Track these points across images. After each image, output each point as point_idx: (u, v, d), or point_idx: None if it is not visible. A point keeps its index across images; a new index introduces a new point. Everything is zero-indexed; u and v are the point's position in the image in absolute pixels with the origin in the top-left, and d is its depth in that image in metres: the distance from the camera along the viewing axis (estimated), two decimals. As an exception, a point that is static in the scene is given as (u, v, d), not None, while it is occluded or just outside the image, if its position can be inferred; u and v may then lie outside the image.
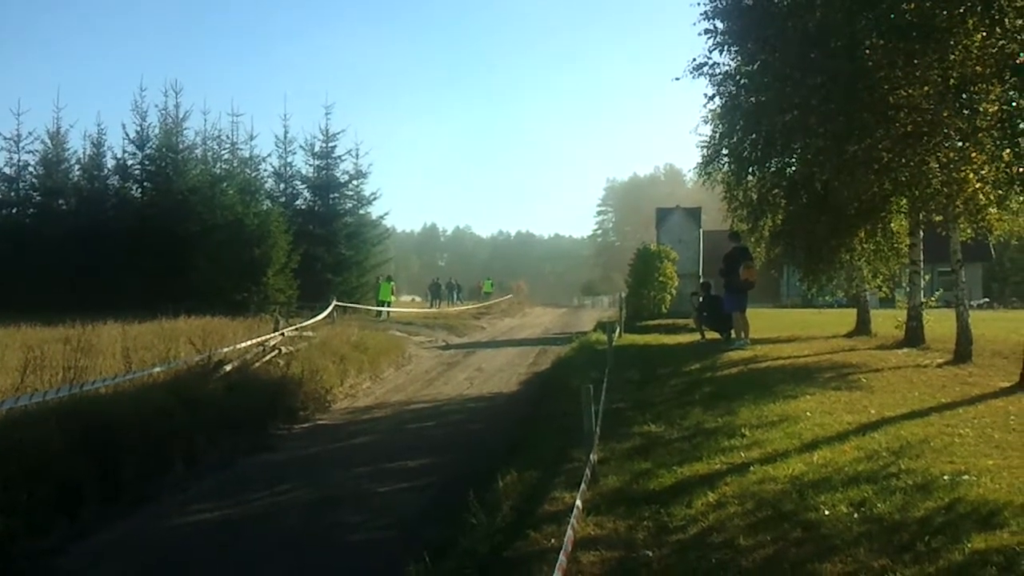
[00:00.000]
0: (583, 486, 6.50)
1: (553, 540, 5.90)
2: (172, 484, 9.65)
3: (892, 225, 16.49)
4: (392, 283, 38.35)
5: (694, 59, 15.28)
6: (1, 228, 37.30)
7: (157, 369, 12.08)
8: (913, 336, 16.26)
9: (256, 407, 12.78)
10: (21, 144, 38.61)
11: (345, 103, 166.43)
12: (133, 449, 9.45)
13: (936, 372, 12.62)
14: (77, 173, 40.33)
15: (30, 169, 39.25)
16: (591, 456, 7.27)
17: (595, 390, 7.87)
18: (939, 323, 16.60)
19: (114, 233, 34.73)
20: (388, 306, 36.26)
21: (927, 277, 17.69)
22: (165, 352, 13.61)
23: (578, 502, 6.03)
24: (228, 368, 13.74)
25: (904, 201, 14.74)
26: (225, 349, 14.31)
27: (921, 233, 16.84)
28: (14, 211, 39.08)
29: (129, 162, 39.05)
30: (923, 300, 16.87)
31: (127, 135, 38.71)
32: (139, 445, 9.58)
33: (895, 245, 17.17)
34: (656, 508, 6.60)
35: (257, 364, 15.13)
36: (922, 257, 16.99)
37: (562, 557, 4.64)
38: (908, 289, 17.06)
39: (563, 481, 7.67)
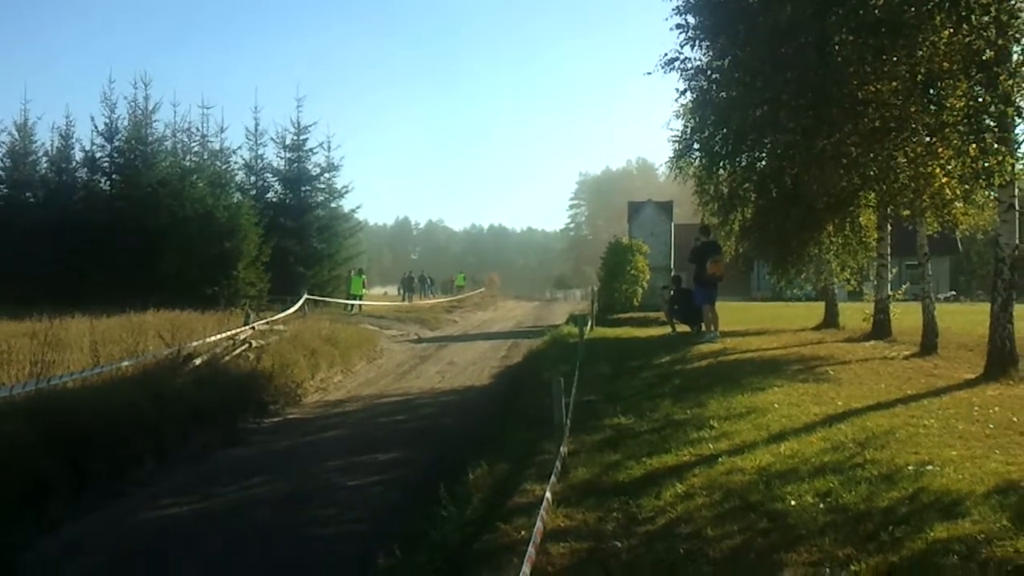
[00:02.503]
0: (553, 478, 6.53)
1: (523, 532, 5.92)
2: (141, 479, 9.59)
3: (860, 219, 16.66)
4: (363, 276, 38.15)
5: (666, 54, 15.30)
6: (-34, 221, 36.76)
7: (126, 363, 12.01)
8: (880, 329, 16.46)
9: (226, 401, 12.71)
10: (-13, 136, 38.12)
11: (316, 96, 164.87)
12: (102, 444, 9.37)
13: (902, 364, 12.78)
14: (45, 165, 39.84)
15: (-4, 161, 38.77)
16: (561, 448, 7.31)
17: (566, 383, 7.92)
18: (906, 316, 16.82)
19: (82, 226, 34.32)
20: (360, 299, 36.10)
21: (894, 270, 17.92)
22: (134, 346, 13.49)
23: (548, 494, 6.06)
24: (198, 362, 13.66)
25: (872, 195, 14.89)
26: (195, 343, 14.23)
27: (889, 227, 17.05)
28: (-21, 203, 38.57)
29: (98, 154, 38.59)
30: (890, 293, 17.07)
31: (96, 127, 38.27)
32: (108, 440, 9.51)
33: (863, 239, 17.35)
34: (625, 499, 6.65)
35: (227, 358, 15.05)
36: (889, 251, 17.21)
37: (531, 549, 4.67)
38: (876, 282, 17.28)
39: (533, 473, 7.70)
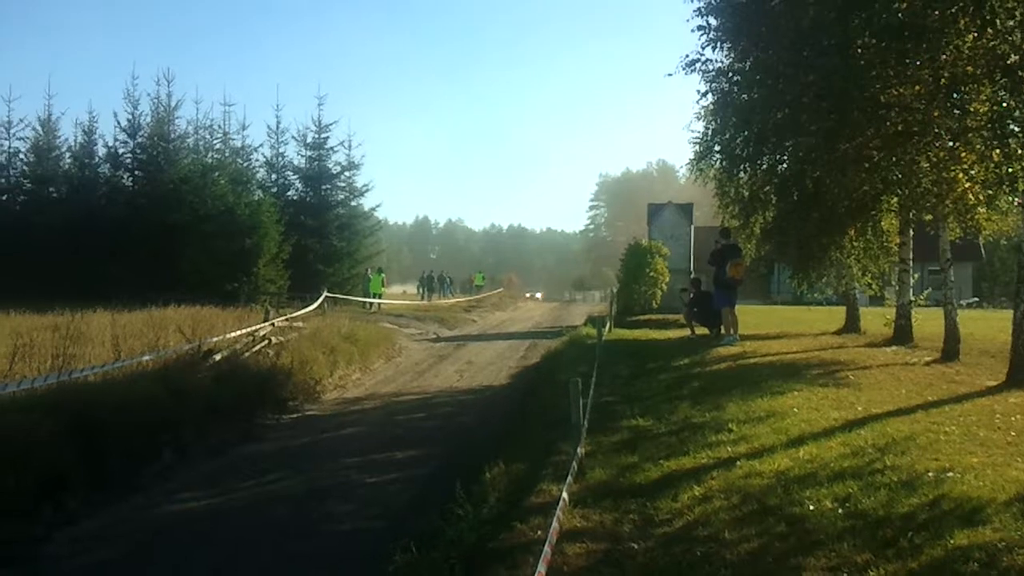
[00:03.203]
0: (569, 479, 6.53)
1: (539, 532, 5.92)
2: (160, 473, 9.63)
3: (882, 223, 16.53)
4: (383, 275, 38.23)
5: (687, 55, 15.28)
6: (-10, 215, 37.16)
7: (146, 358, 12.08)
8: (901, 334, 16.33)
9: (245, 397, 12.77)
10: (12, 131, 38.58)
11: (338, 95, 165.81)
12: (121, 437, 9.44)
13: (923, 370, 12.68)
14: (68, 161, 40.24)
15: (21, 156, 39.29)
16: (578, 449, 7.30)
17: (584, 384, 7.90)
18: (928, 321, 16.68)
19: (104, 221, 34.64)
20: (379, 298, 36.18)
21: (916, 276, 17.75)
22: (154, 341, 13.58)
23: (564, 494, 6.06)
24: (218, 358, 13.73)
25: (894, 200, 14.77)
26: (215, 339, 14.31)
27: (911, 232, 16.90)
28: (4, 198, 39.02)
29: (120, 150, 38.98)
30: (912, 298, 16.94)
31: (119, 123, 38.73)
32: (127, 433, 9.56)
33: (885, 243, 17.22)
34: (642, 501, 6.64)
35: (247, 354, 15.12)
36: (911, 256, 17.05)
37: (547, 548, 4.67)
38: (897, 287, 17.13)
39: (550, 474, 7.70)
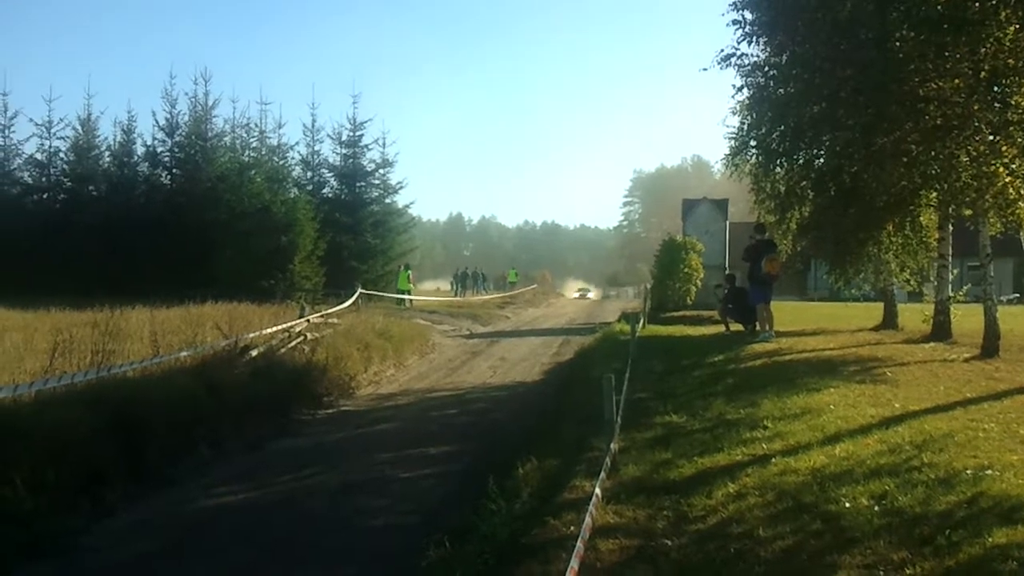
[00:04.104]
0: (603, 475, 6.52)
1: (572, 527, 5.92)
2: (196, 467, 9.75)
3: (921, 218, 16.32)
4: (409, 271, 38.20)
5: (722, 50, 15.18)
6: (32, 213, 37.72)
7: (184, 353, 12.21)
8: (940, 330, 16.11)
9: (281, 392, 12.88)
10: (52, 130, 39.11)
11: (372, 92, 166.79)
12: (159, 432, 9.55)
13: (962, 367, 12.51)
14: (107, 160, 40.72)
15: (61, 155, 39.75)
16: (611, 445, 7.28)
17: (617, 380, 7.88)
18: (967, 318, 16.44)
19: (143, 219, 35.05)
20: (407, 294, 36.17)
21: (955, 271, 17.51)
22: (192, 337, 13.73)
23: (597, 490, 6.05)
24: (254, 353, 13.86)
25: (933, 194, 14.59)
26: (251, 335, 14.43)
27: (950, 227, 16.66)
28: (45, 196, 39.57)
29: (159, 149, 39.41)
30: (951, 294, 16.70)
31: (157, 122, 39.11)
32: (165, 428, 9.68)
33: (924, 239, 17.00)
34: (676, 498, 6.62)
35: (282, 350, 15.24)
36: (951, 251, 16.82)
37: (579, 544, 4.67)
38: (936, 283, 16.90)
39: (583, 470, 7.69)
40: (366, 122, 42.10)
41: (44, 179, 39.60)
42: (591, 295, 78.76)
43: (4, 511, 7.12)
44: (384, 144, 42.52)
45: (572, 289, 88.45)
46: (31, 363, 10.81)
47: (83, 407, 8.95)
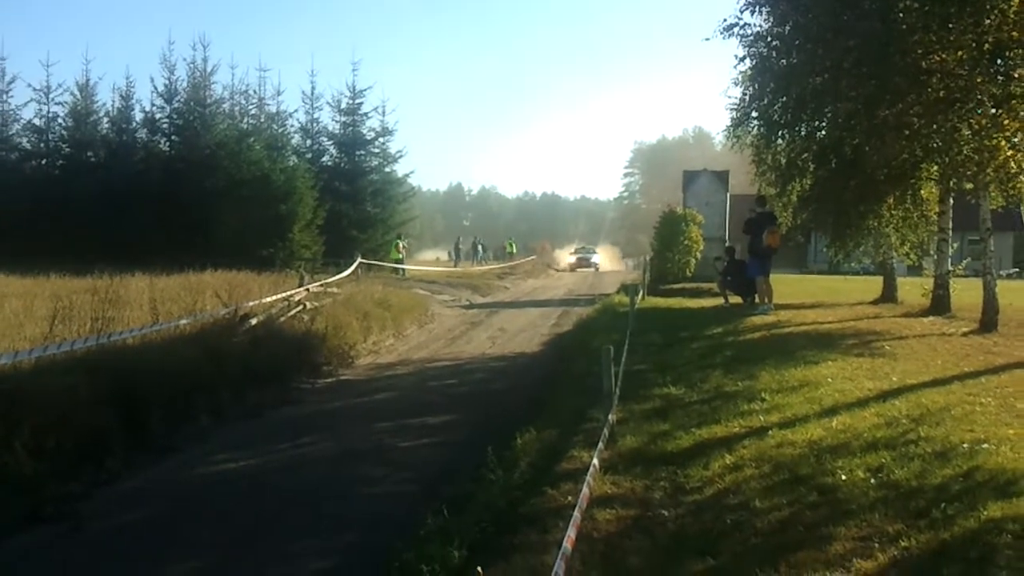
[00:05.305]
0: (600, 445, 6.56)
1: (569, 497, 5.96)
2: (197, 434, 9.77)
3: (922, 192, 16.30)
4: (399, 241, 38.05)
5: (725, 19, 15.10)
6: (31, 179, 37.68)
7: (184, 321, 12.24)
8: (939, 304, 16.13)
9: (281, 361, 12.91)
10: (51, 95, 38.96)
11: (372, 61, 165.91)
12: (159, 399, 9.58)
13: (961, 341, 12.53)
14: (106, 126, 40.61)
15: (59, 121, 39.66)
16: (609, 416, 7.32)
17: (616, 352, 7.90)
18: (966, 292, 16.46)
19: (142, 186, 35.01)
20: (398, 263, 36.02)
21: (955, 245, 17.49)
22: (192, 305, 13.75)
23: (595, 461, 6.09)
24: (254, 322, 13.88)
25: (935, 168, 14.56)
26: (251, 303, 14.45)
27: (951, 200, 16.63)
28: (43, 162, 39.49)
29: (157, 116, 39.34)
30: (951, 268, 16.70)
31: (155, 88, 39.00)
32: (165, 396, 9.71)
33: (924, 212, 16.98)
34: (673, 469, 6.66)
35: (282, 319, 15.28)
36: (951, 225, 16.80)
37: (577, 514, 4.71)
38: (936, 257, 16.90)
39: (581, 440, 7.73)
40: (366, 90, 42.12)
41: (42, 145, 39.48)
42: (596, 260, 59.27)
43: (5, 477, 7.16)
44: (384, 112, 42.50)
45: (567, 254, 65.68)
46: (31, 330, 10.83)
47: (83, 374, 8.98)
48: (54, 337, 10.09)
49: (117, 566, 6.23)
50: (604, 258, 64.81)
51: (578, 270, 54.21)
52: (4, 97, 39.14)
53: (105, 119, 40.61)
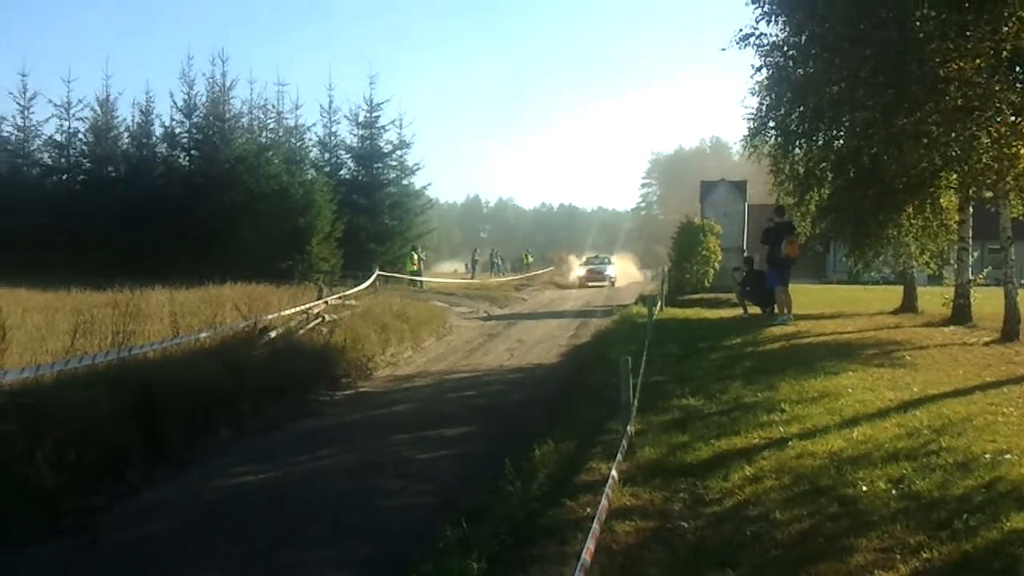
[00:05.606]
0: (619, 457, 6.54)
1: (588, 509, 5.95)
2: (216, 447, 9.80)
3: (941, 200, 16.21)
4: (414, 254, 38.15)
5: (741, 29, 15.10)
6: (52, 194, 37.96)
7: (204, 335, 12.29)
8: (960, 314, 16.02)
9: (300, 374, 12.95)
10: (71, 111, 39.23)
11: (388, 74, 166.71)
12: (179, 413, 9.63)
13: (982, 350, 12.44)
14: (126, 141, 40.88)
15: (80, 136, 39.90)
16: (628, 428, 7.31)
17: (634, 363, 7.89)
18: (987, 301, 16.34)
19: (162, 200, 35.21)
20: (413, 275, 36.07)
21: (976, 254, 17.36)
22: (211, 318, 13.82)
23: (614, 472, 6.08)
24: (273, 335, 13.94)
25: (953, 176, 14.48)
26: (270, 316, 14.52)
27: (970, 209, 16.53)
28: (64, 177, 39.79)
29: (177, 130, 39.53)
30: (971, 278, 16.58)
31: (175, 103, 39.20)
32: (185, 408, 9.76)
33: (944, 221, 16.88)
34: (692, 480, 6.64)
35: (301, 332, 15.33)
36: (971, 234, 16.69)
37: (596, 525, 4.69)
38: (956, 266, 16.79)
39: (599, 452, 7.72)
40: (383, 103, 42.36)
41: (63, 160, 39.78)
42: (611, 273, 49.08)
43: (26, 490, 7.19)
44: (401, 125, 42.70)
45: (576, 266, 55.44)
46: (53, 343, 10.91)
47: (105, 387, 9.04)
48: (75, 351, 10.15)
49: (136, 578, 6.26)
50: (620, 269, 54.75)
51: (589, 285, 45.80)
52: (26, 113, 39.49)
53: (125, 134, 40.92)
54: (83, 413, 8.32)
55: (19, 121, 39.32)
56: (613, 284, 46.81)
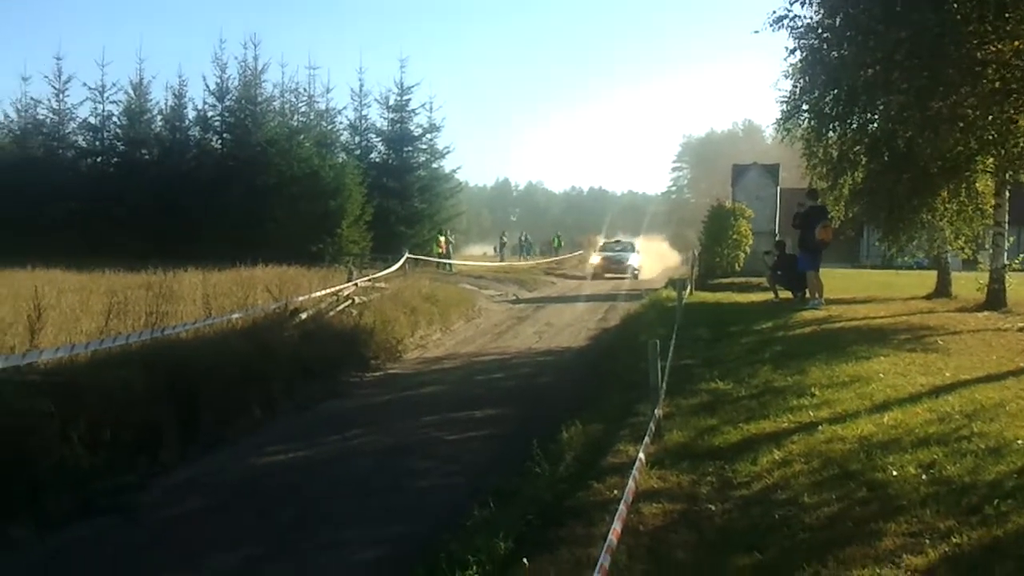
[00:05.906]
0: (647, 440, 6.54)
1: (615, 491, 5.96)
2: (249, 427, 9.92)
3: (977, 185, 15.96)
4: (442, 236, 38.23)
5: (774, 11, 14.92)
6: (86, 176, 38.30)
7: (236, 316, 12.41)
8: (994, 299, 15.81)
9: (330, 355, 13.06)
10: (105, 94, 39.53)
11: (418, 56, 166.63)
12: (212, 392, 9.74)
13: (1016, 336, 12.27)
14: (159, 124, 41.11)
15: (114, 119, 40.16)
16: (656, 411, 7.30)
17: (663, 346, 7.87)
18: (1022, 287, 16.12)
19: (195, 183, 35.48)
20: (440, 257, 36.18)
21: (1012, 239, 17.12)
22: (243, 299, 13.95)
23: (641, 455, 6.08)
24: (304, 316, 14.06)
25: (990, 160, 14.26)
26: (301, 298, 14.63)
27: (1007, 193, 16.29)
28: (98, 160, 40.15)
29: (209, 114, 39.74)
30: (1007, 263, 16.36)
31: (207, 87, 39.40)
32: (218, 388, 9.87)
33: (979, 205, 16.62)
34: (720, 464, 6.63)
35: (331, 313, 15.45)
36: (1007, 218, 16.46)
37: (623, 507, 4.70)
38: (991, 251, 16.57)
39: (627, 434, 7.73)
40: (413, 87, 42.18)
41: (98, 143, 40.14)
42: (634, 263, 41.10)
43: (62, 469, 7.32)
44: (431, 109, 42.61)
45: (592, 252, 48.73)
46: (87, 324, 11.05)
47: (138, 367, 9.15)
48: (109, 331, 10.30)
49: (169, 554, 6.37)
50: (653, 253, 48.82)
51: (606, 276, 38.94)
52: (61, 96, 39.82)
53: (159, 117, 41.16)
54: (117, 393, 8.44)
55: (54, 104, 39.70)
56: (636, 277, 39.14)
